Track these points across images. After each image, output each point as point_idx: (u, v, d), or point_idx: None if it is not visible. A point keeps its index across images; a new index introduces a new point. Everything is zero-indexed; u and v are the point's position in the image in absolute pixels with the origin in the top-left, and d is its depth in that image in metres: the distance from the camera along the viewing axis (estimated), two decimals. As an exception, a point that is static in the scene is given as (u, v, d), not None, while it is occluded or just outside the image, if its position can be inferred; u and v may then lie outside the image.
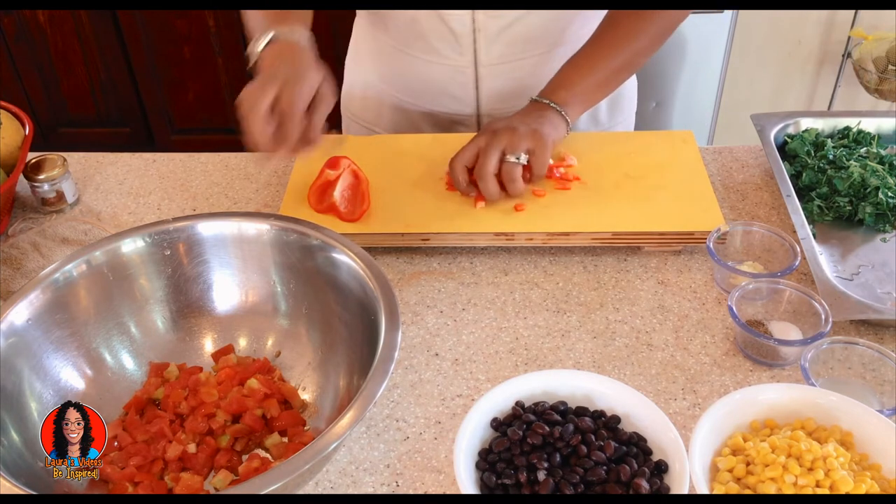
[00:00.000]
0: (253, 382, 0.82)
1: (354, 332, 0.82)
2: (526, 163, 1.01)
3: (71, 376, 0.82)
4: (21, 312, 0.79)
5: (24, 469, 0.72)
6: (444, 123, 1.23)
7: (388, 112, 1.25)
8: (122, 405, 0.84)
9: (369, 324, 0.78)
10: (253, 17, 0.99)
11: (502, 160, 1.00)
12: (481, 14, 1.09)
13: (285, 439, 0.80)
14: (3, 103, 1.12)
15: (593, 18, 1.12)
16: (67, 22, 2.45)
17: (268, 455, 0.80)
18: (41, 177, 1.09)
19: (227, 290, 0.90)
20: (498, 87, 1.17)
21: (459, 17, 1.10)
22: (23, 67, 2.56)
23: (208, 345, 0.90)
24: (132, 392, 0.85)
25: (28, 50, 2.51)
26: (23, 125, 1.11)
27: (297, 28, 0.94)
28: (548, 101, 1.05)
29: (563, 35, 1.15)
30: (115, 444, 0.80)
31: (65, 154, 1.14)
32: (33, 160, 1.12)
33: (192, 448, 0.78)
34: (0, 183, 1.03)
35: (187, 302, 0.90)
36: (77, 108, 2.65)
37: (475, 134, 1.05)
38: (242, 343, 0.90)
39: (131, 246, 0.87)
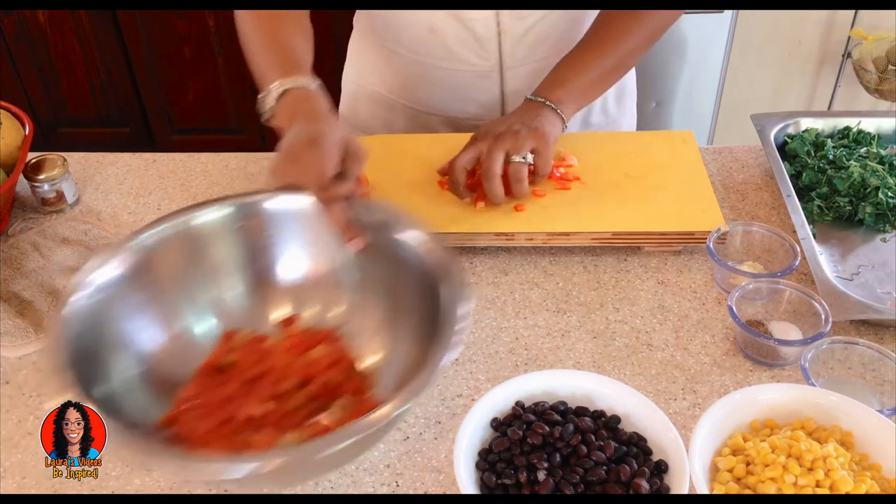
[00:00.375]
0: (319, 350, 0.85)
1: (421, 304, 0.84)
2: (532, 162, 1.01)
3: (148, 337, 0.85)
4: (107, 272, 0.82)
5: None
6: (466, 128, 1.22)
7: (401, 121, 1.24)
8: (195, 367, 0.86)
9: (435, 296, 0.80)
10: (260, 68, 0.97)
11: (507, 161, 1.00)
12: (506, 16, 1.09)
13: (348, 406, 0.82)
14: (3, 103, 1.12)
15: None
16: (67, 22, 2.45)
17: (333, 419, 0.81)
18: (41, 177, 1.09)
19: (297, 261, 0.92)
20: (523, 87, 1.16)
21: (483, 22, 1.10)
22: (23, 67, 2.56)
23: (278, 313, 0.92)
24: (205, 355, 0.87)
25: (28, 50, 2.51)
26: (23, 125, 1.11)
27: (305, 78, 0.93)
28: (543, 100, 1.05)
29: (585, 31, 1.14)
30: (190, 404, 0.81)
31: (65, 154, 1.14)
32: (33, 160, 1.12)
33: (262, 410, 0.80)
34: (0, 183, 1.03)
35: (260, 271, 0.91)
36: (77, 108, 2.65)
37: (470, 137, 1.05)
38: (310, 312, 0.92)
39: (210, 216, 0.89)
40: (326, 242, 0.89)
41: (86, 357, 0.76)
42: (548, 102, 1.04)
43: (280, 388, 0.82)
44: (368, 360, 0.87)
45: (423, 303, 0.82)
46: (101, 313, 0.80)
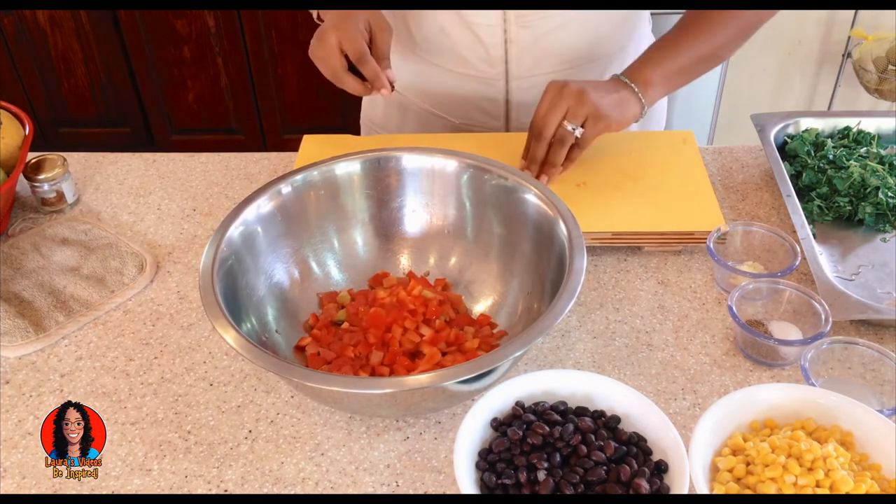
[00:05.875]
0: (427, 293, 0.91)
1: (539, 260, 0.89)
2: (578, 136, 1.00)
3: (281, 274, 0.92)
4: (251, 213, 0.88)
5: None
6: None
7: (411, 123, 1.24)
8: (316, 307, 0.94)
9: (553, 252, 0.85)
10: None
11: (559, 124, 1.00)
12: (513, 24, 1.09)
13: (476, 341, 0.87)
14: (3, 103, 1.12)
15: (627, 35, 1.11)
16: (67, 22, 2.46)
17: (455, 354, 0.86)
18: (41, 177, 1.09)
19: (420, 216, 0.98)
20: (529, 101, 1.15)
21: (488, 28, 1.09)
22: (23, 67, 2.56)
23: (403, 261, 0.98)
24: (329, 297, 0.94)
25: (28, 50, 2.51)
26: (23, 125, 1.11)
27: None
28: (627, 81, 1.02)
29: (594, 50, 1.13)
30: (313, 349, 0.87)
31: (65, 154, 1.14)
32: (33, 160, 1.12)
33: (384, 353, 0.85)
34: (0, 183, 1.03)
35: (386, 223, 0.98)
36: (77, 108, 2.65)
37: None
38: (431, 262, 0.98)
39: (344, 169, 0.95)
40: (456, 202, 0.97)
41: (230, 278, 0.84)
42: (630, 84, 1.02)
43: (401, 328, 0.88)
44: (479, 305, 0.94)
45: (544, 258, 0.87)
46: (241, 247, 0.87)
